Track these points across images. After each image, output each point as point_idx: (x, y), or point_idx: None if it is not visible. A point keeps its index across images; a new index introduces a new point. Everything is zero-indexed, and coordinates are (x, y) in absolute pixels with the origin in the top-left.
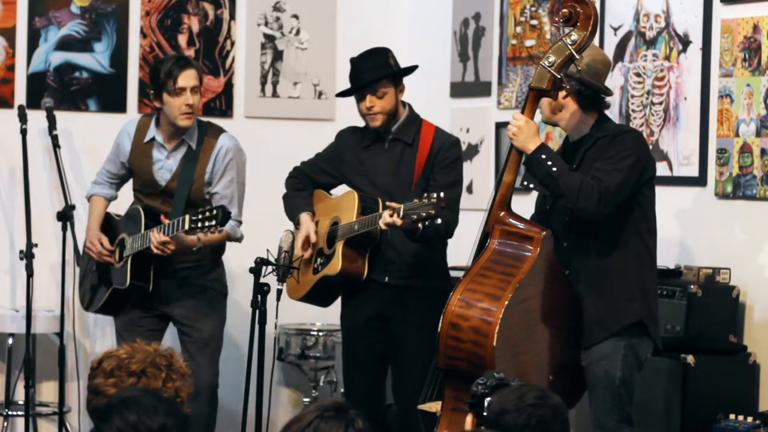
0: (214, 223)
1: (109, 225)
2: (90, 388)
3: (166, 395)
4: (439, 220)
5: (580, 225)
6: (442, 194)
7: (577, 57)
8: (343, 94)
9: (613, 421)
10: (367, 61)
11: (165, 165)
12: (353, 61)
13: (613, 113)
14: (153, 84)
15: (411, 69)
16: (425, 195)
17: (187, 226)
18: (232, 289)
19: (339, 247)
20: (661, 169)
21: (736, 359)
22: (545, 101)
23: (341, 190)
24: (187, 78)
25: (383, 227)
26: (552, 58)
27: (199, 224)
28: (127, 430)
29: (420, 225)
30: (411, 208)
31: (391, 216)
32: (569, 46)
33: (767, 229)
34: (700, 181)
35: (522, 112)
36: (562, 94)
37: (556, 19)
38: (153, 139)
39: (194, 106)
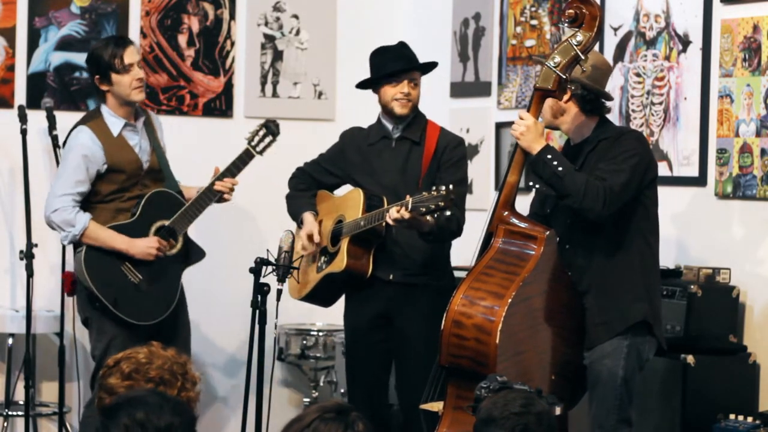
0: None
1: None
2: (104, 386)
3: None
4: (448, 212)
5: (582, 226)
6: (451, 186)
7: (583, 58)
8: (386, 75)
9: (612, 421)
10: (404, 49)
11: (142, 145)
12: (387, 48)
13: (613, 113)
14: (98, 68)
15: (435, 65)
16: (434, 188)
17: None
18: (233, 289)
19: (344, 244)
20: (661, 169)
21: (736, 359)
22: (547, 106)
23: (345, 190)
24: (131, 54)
25: (391, 222)
26: (557, 59)
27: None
28: (134, 428)
29: (429, 218)
30: (419, 201)
31: (399, 210)
32: (575, 47)
33: (767, 229)
34: (700, 181)
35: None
36: (564, 97)
37: (562, 19)
38: (124, 126)
39: (143, 79)
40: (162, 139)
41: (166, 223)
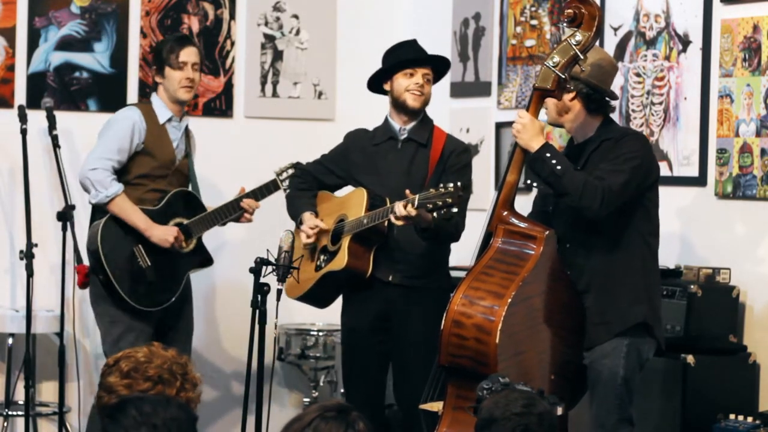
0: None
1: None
2: (103, 385)
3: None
4: (455, 209)
5: (583, 226)
6: (459, 183)
7: (582, 57)
8: (398, 65)
9: (613, 420)
10: (419, 45)
11: (179, 145)
12: (404, 42)
13: (613, 113)
14: (156, 59)
15: (447, 62)
16: (441, 185)
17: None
18: (232, 290)
19: (345, 242)
20: (661, 169)
21: (736, 359)
22: (552, 103)
23: (346, 191)
24: (188, 54)
25: (396, 221)
26: (556, 59)
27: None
28: (141, 419)
29: (434, 214)
30: (426, 198)
31: (405, 207)
32: (573, 47)
33: (767, 229)
34: (700, 181)
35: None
36: (569, 96)
37: (561, 19)
38: (169, 119)
39: (194, 80)
40: (193, 154)
41: (185, 221)
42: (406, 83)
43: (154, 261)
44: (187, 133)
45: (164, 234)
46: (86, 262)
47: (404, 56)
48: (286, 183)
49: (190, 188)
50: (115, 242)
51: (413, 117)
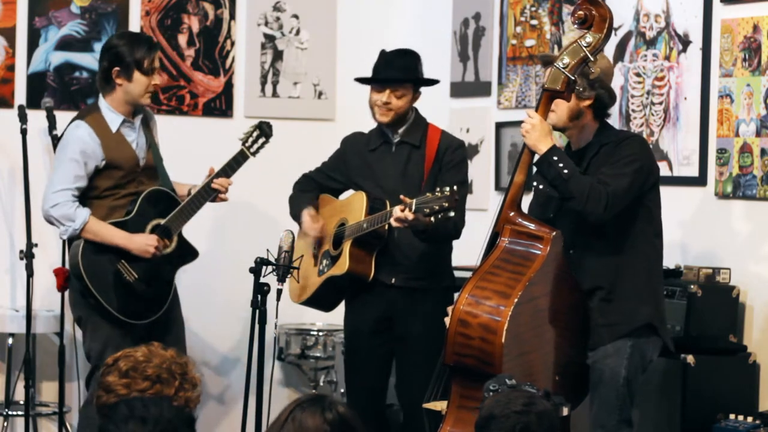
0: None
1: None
2: (102, 384)
3: (175, 404)
4: (452, 213)
5: (587, 230)
6: (455, 187)
7: (592, 59)
8: (364, 80)
9: (613, 421)
10: (399, 58)
11: (139, 142)
12: (385, 53)
13: (613, 113)
14: (120, 60)
15: (433, 82)
16: (437, 189)
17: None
18: (233, 289)
19: (346, 246)
20: (661, 169)
21: (736, 359)
22: (565, 107)
23: (347, 195)
24: (157, 59)
25: (394, 223)
26: (566, 60)
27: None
28: (138, 420)
29: (432, 219)
30: (423, 202)
31: (403, 210)
32: (584, 48)
33: (767, 229)
34: (700, 181)
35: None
36: (587, 102)
37: (571, 20)
38: (123, 123)
39: (158, 85)
40: (156, 135)
41: (162, 222)
42: (374, 98)
43: (140, 272)
44: (144, 122)
45: (144, 245)
46: None
47: (373, 73)
48: (254, 148)
49: (159, 179)
50: (98, 264)
51: (395, 125)
